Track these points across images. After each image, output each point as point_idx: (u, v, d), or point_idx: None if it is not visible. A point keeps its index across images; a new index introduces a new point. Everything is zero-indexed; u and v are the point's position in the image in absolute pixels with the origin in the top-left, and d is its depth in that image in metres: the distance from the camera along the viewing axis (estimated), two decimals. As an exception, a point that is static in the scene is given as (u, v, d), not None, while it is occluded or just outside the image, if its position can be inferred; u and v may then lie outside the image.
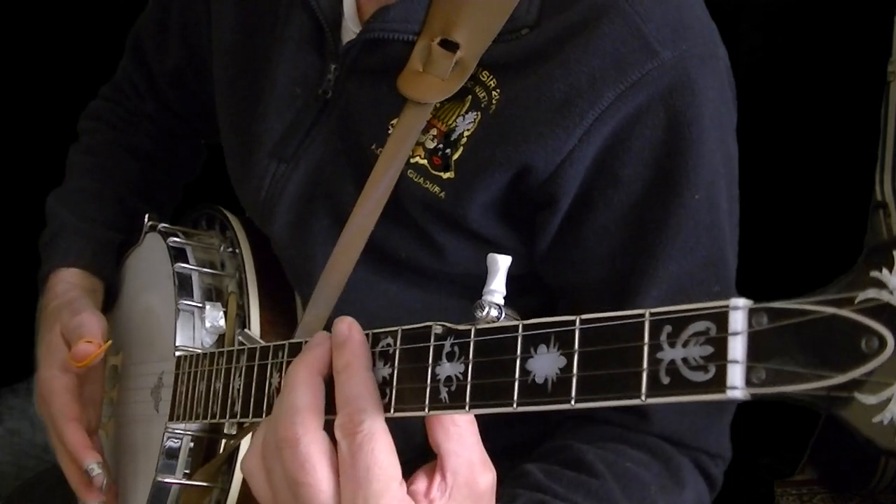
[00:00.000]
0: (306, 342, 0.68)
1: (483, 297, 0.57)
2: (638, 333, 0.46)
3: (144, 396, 1.02)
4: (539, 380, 0.50)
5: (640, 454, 0.85)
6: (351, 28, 0.95)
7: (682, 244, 0.83)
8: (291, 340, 0.78)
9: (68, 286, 1.10)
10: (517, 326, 0.52)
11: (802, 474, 2.05)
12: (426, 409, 0.57)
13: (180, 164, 1.32)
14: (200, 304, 0.97)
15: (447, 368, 0.57)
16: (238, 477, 0.93)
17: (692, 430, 0.87)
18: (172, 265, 1.00)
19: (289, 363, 0.76)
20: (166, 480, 0.94)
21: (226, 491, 0.94)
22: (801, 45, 1.88)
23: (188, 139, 1.31)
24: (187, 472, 0.95)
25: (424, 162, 0.88)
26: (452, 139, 0.87)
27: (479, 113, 0.86)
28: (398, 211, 0.89)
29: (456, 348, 0.56)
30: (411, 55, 0.88)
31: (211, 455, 0.96)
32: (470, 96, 0.86)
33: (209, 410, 0.88)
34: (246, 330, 0.96)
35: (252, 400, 0.81)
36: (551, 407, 0.49)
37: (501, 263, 0.56)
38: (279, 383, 0.77)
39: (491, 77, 0.85)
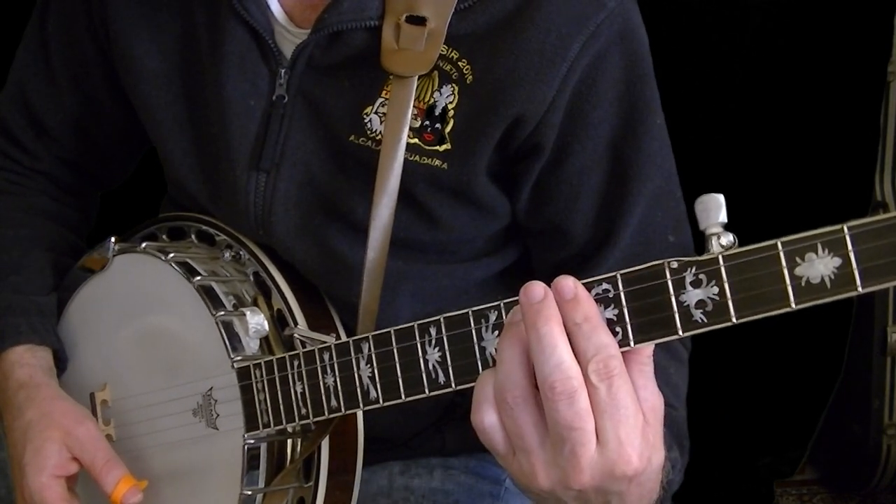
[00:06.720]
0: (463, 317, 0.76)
1: (709, 230, 0.67)
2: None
3: (184, 420, 0.98)
4: (814, 280, 0.62)
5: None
6: (287, 31, 0.98)
7: (653, 164, 0.96)
8: (374, 333, 0.83)
9: (29, 370, 1.04)
10: (775, 244, 0.64)
11: (802, 474, 2.05)
12: (680, 332, 0.67)
13: (85, 214, 1.24)
14: (240, 312, 0.96)
15: (695, 294, 0.66)
16: (325, 473, 0.95)
17: None
18: (191, 280, 0.97)
19: (377, 354, 0.82)
20: (250, 491, 0.93)
21: (311, 489, 0.95)
22: (800, 45, 1.84)
23: (87, 193, 1.24)
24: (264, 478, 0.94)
25: (416, 141, 0.95)
26: (437, 114, 0.94)
27: (454, 85, 0.93)
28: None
29: (702, 276, 0.66)
30: (382, 37, 0.93)
31: (282, 457, 0.96)
32: (436, 71, 0.93)
33: (297, 413, 0.90)
34: (298, 327, 0.96)
35: (348, 392, 0.85)
36: (836, 298, 0.62)
37: (721, 200, 0.67)
38: (370, 373, 0.83)
39: (452, 49, 0.93)
